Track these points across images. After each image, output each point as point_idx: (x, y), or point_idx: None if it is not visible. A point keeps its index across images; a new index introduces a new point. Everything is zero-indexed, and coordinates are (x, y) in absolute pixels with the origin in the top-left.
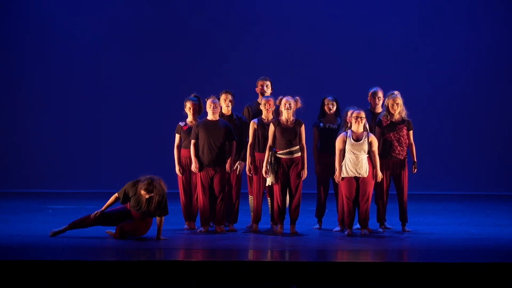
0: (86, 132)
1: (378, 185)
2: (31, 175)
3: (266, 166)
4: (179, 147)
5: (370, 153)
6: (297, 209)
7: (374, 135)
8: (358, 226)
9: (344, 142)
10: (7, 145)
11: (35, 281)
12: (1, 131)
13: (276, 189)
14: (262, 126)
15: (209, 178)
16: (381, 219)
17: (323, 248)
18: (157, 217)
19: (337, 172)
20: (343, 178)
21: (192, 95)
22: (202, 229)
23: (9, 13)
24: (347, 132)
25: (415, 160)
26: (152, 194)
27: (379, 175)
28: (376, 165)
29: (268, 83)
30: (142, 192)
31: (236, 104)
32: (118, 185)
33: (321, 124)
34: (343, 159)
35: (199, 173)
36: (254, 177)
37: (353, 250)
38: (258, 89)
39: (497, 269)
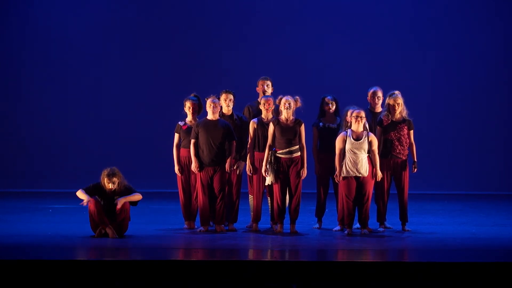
0: (85, 132)
1: (378, 185)
2: (31, 175)
3: (266, 166)
4: (178, 146)
5: (370, 152)
6: (297, 209)
7: (374, 134)
8: (358, 225)
9: (344, 142)
10: (7, 145)
11: (35, 281)
12: (1, 131)
13: (276, 188)
14: (262, 126)
15: (209, 178)
16: (381, 219)
17: (323, 248)
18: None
19: (337, 172)
20: (343, 178)
21: (192, 95)
22: (202, 228)
23: (9, 13)
24: (347, 132)
25: (415, 159)
26: (115, 179)
27: (379, 174)
28: (376, 165)
29: (269, 82)
30: (106, 180)
31: (236, 104)
32: None
33: (321, 124)
34: (343, 159)
35: (199, 173)
36: (254, 177)
37: (353, 249)
38: (258, 89)
39: (497, 269)
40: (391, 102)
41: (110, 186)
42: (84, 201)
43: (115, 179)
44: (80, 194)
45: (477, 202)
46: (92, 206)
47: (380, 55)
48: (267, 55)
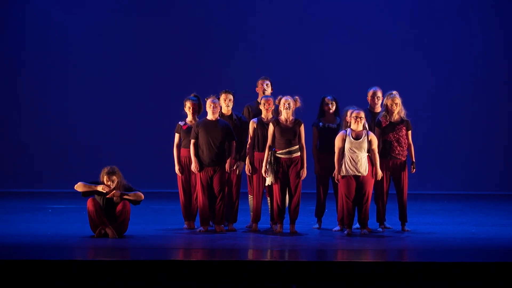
0: (85, 132)
1: (378, 185)
2: (31, 175)
3: (266, 166)
4: (178, 146)
5: (370, 151)
6: (297, 209)
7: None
8: (357, 225)
9: (344, 140)
10: (7, 145)
11: (35, 281)
12: (1, 131)
13: (276, 188)
14: (262, 126)
15: (208, 178)
16: (380, 219)
17: (322, 248)
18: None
19: (335, 170)
20: (343, 177)
21: (192, 95)
22: (201, 228)
23: (9, 13)
24: (346, 130)
25: (414, 160)
26: (114, 177)
27: (379, 173)
28: (376, 163)
29: (268, 82)
30: (105, 178)
31: (236, 104)
32: None
33: (321, 124)
34: (342, 157)
35: (198, 173)
36: (254, 177)
37: (353, 249)
38: (258, 89)
39: (497, 269)
40: (389, 102)
41: (109, 184)
42: (99, 187)
43: (114, 177)
44: (83, 186)
45: (477, 202)
46: (91, 207)
47: (380, 55)
48: (267, 55)
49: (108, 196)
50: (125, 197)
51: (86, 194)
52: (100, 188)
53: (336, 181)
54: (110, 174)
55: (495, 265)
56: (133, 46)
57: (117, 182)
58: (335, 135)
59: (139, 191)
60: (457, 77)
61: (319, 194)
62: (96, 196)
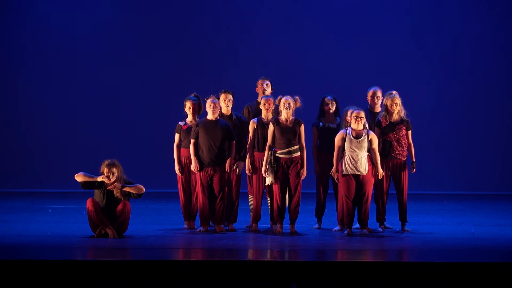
0: (85, 132)
1: (378, 185)
2: (30, 175)
3: (266, 166)
4: (178, 146)
5: (370, 151)
6: (297, 209)
7: None
8: (357, 225)
9: (343, 139)
10: (7, 145)
11: (35, 281)
12: (1, 131)
13: (276, 188)
14: (262, 126)
15: (208, 178)
16: (380, 219)
17: (322, 248)
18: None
19: (333, 168)
20: (343, 175)
21: (192, 95)
22: (201, 228)
23: (8, 13)
24: (346, 129)
25: (414, 160)
26: (114, 169)
27: (380, 172)
28: (376, 163)
29: (268, 82)
30: (105, 170)
31: (236, 104)
32: None
33: (321, 124)
34: (341, 156)
35: (198, 173)
36: (254, 177)
37: (352, 249)
38: (258, 89)
39: (497, 269)
40: (389, 102)
41: (109, 176)
42: (100, 178)
43: (114, 169)
44: (83, 176)
45: (477, 202)
46: (91, 207)
47: (380, 55)
48: (267, 55)
49: (108, 188)
50: (126, 189)
51: (85, 185)
52: (100, 178)
53: (336, 181)
54: (110, 166)
55: (495, 265)
56: (133, 46)
57: (117, 176)
58: (335, 135)
59: (139, 184)
60: (457, 77)
61: (319, 194)
62: (96, 193)
